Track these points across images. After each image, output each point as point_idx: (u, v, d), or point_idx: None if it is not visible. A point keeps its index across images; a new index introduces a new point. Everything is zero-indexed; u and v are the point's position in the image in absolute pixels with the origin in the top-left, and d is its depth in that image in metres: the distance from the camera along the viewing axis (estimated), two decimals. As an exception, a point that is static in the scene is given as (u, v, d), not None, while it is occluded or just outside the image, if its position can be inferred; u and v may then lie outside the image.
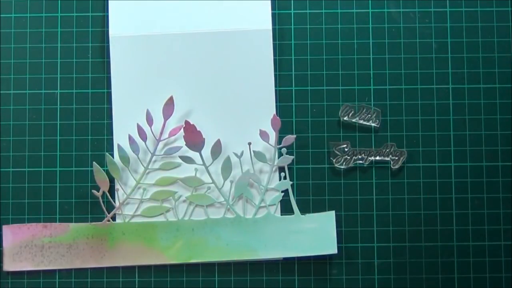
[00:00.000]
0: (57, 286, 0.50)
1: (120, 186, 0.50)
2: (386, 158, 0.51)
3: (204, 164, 0.50)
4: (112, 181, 0.50)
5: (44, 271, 0.50)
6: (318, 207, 0.51)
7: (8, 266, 0.50)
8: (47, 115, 0.51)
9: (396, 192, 0.51)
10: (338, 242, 0.50)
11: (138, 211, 0.50)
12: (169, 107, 0.50)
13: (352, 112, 0.51)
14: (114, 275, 0.50)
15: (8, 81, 0.52)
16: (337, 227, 0.50)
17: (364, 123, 0.51)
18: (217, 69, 0.51)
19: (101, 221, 0.50)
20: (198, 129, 0.49)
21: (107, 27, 0.51)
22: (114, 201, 0.50)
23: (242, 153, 0.50)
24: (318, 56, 0.52)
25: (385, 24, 0.52)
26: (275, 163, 0.50)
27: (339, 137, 0.51)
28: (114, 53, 0.51)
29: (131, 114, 0.51)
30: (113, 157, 0.50)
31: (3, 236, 0.50)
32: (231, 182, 0.50)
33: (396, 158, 0.51)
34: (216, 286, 0.50)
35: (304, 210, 0.50)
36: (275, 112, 0.51)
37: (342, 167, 0.51)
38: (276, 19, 0.52)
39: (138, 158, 0.50)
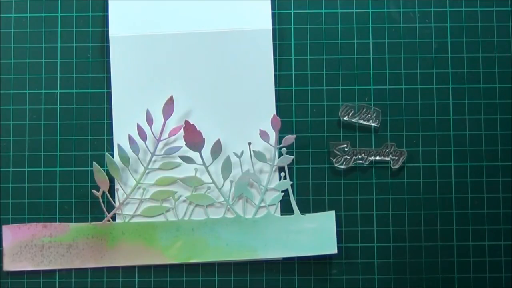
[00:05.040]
0: (57, 286, 0.50)
1: (120, 186, 0.50)
2: (386, 158, 0.51)
3: (204, 164, 0.50)
4: (112, 181, 0.50)
5: (44, 271, 0.50)
6: (318, 207, 0.51)
7: (8, 266, 0.50)
8: (47, 115, 0.51)
9: (396, 192, 0.51)
10: (338, 242, 0.50)
11: (138, 211, 0.50)
12: (169, 107, 0.50)
13: (352, 112, 0.51)
14: (114, 275, 0.50)
15: (8, 81, 0.52)
16: (337, 227, 0.50)
17: (364, 123, 0.51)
18: (217, 69, 0.51)
19: (101, 221, 0.50)
20: (198, 129, 0.49)
21: (107, 27, 0.52)
22: (114, 201, 0.50)
23: (242, 153, 0.50)
24: (318, 56, 0.52)
25: (385, 24, 0.52)
26: (275, 163, 0.50)
27: (339, 137, 0.51)
28: (114, 53, 0.51)
29: (131, 114, 0.51)
30: (113, 157, 0.50)
31: (3, 236, 0.50)
32: (231, 182, 0.50)
33: (396, 158, 0.51)
34: (216, 286, 0.50)
35: (304, 210, 0.50)
36: (275, 112, 0.51)
37: (342, 167, 0.51)
38: (276, 19, 0.52)
39: (138, 158, 0.50)
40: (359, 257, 0.50)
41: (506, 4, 0.52)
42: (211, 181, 0.50)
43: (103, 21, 0.52)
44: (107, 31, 0.51)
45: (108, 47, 0.51)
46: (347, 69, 0.52)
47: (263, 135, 0.50)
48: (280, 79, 0.52)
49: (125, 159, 0.50)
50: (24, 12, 0.52)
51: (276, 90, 0.51)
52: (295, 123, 0.51)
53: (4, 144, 0.51)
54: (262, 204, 0.50)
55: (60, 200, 0.51)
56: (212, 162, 0.50)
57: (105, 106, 0.51)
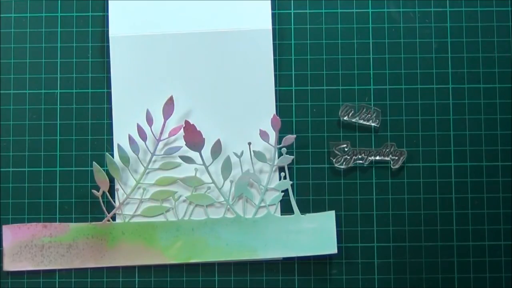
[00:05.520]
0: (57, 286, 0.50)
1: (120, 186, 0.50)
2: (386, 158, 0.51)
3: (204, 164, 0.50)
4: (112, 181, 0.50)
5: (44, 271, 0.50)
6: (318, 207, 0.51)
7: (8, 266, 0.50)
8: (47, 115, 0.51)
9: (396, 192, 0.51)
10: (338, 242, 0.50)
11: (138, 211, 0.50)
12: (169, 107, 0.50)
13: (352, 112, 0.51)
14: (114, 275, 0.50)
15: (8, 81, 0.52)
16: (337, 227, 0.50)
17: (364, 123, 0.51)
18: (217, 69, 0.51)
19: (101, 221, 0.50)
20: (198, 129, 0.49)
21: (107, 27, 0.52)
22: (114, 201, 0.50)
23: (242, 153, 0.50)
24: (318, 56, 0.52)
25: (385, 24, 0.52)
26: (275, 163, 0.50)
27: (339, 137, 0.51)
28: (114, 53, 0.51)
29: (131, 114, 0.51)
30: (113, 157, 0.50)
31: (3, 236, 0.50)
32: (231, 182, 0.50)
33: (396, 158, 0.51)
34: (216, 286, 0.50)
35: (304, 210, 0.50)
36: (275, 112, 0.51)
37: (342, 167, 0.51)
38: (276, 19, 0.52)
39: (138, 158, 0.50)
40: (359, 257, 0.50)
41: (506, 4, 0.52)
42: (211, 181, 0.50)
43: (103, 21, 0.52)
44: (107, 31, 0.51)
45: (108, 47, 0.51)
46: (347, 69, 0.52)
47: (263, 135, 0.50)
48: (280, 79, 0.52)
49: (125, 159, 0.50)
50: (24, 12, 0.52)
51: (276, 90, 0.51)
52: (295, 123, 0.51)
53: (4, 144, 0.51)
54: (262, 204, 0.50)
55: (60, 200, 0.51)
56: (212, 162, 0.50)
57: (105, 106, 0.51)
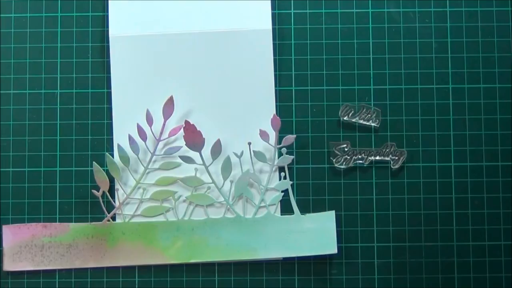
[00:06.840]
0: (57, 286, 0.50)
1: (120, 186, 0.50)
2: (386, 158, 0.51)
3: (204, 164, 0.50)
4: (112, 181, 0.50)
5: (44, 271, 0.50)
6: (318, 207, 0.51)
7: (8, 266, 0.50)
8: (47, 115, 0.51)
9: (396, 192, 0.51)
10: (338, 242, 0.50)
11: (138, 211, 0.50)
12: (169, 107, 0.50)
13: (352, 112, 0.51)
14: (114, 275, 0.50)
15: (8, 81, 0.52)
16: (337, 227, 0.50)
17: (364, 123, 0.51)
18: (217, 69, 0.51)
19: (101, 221, 0.50)
20: (198, 129, 0.49)
21: (107, 27, 0.52)
22: (114, 201, 0.50)
23: (242, 153, 0.50)
24: (318, 56, 0.52)
25: (385, 24, 0.52)
26: (275, 163, 0.50)
27: (339, 137, 0.51)
28: (114, 53, 0.51)
29: (131, 114, 0.51)
30: (113, 157, 0.50)
31: (3, 236, 0.50)
32: (231, 182, 0.50)
33: (396, 158, 0.51)
34: (216, 286, 0.50)
35: (304, 210, 0.50)
36: (275, 112, 0.51)
37: (342, 167, 0.51)
38: (276, 19, 0.52)
39: (138, 158, 0.50)
40: (359, 257, 0.50)
41: (506, 4, 0.52)
42: (211, 181, 0.50)
43: (103, 21, 0.52)
44: (107, 31, 0.51)
45: (108, 47, 0.51)
46: (347, 69, 0.52)
47: (263, 135, 0.50)
48: (280, 79, 0.52)
49: (125, 159, 0.50)
50: (24, 12, 0.52)
51: (276, 90, 0.51)
52: (295, 123, 0.51)
53: (4, 144, 0.51)
54: (262, 204, 0.50)
55: (60, 200, 0.51)
56: (212, 162, 0.50)
57: (105, 106, 0.51)
